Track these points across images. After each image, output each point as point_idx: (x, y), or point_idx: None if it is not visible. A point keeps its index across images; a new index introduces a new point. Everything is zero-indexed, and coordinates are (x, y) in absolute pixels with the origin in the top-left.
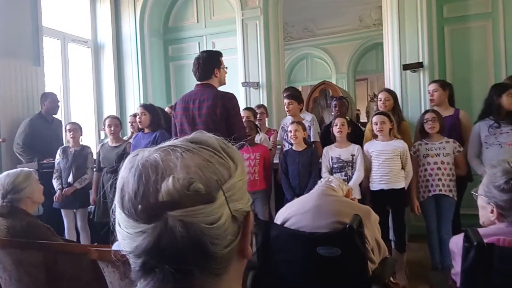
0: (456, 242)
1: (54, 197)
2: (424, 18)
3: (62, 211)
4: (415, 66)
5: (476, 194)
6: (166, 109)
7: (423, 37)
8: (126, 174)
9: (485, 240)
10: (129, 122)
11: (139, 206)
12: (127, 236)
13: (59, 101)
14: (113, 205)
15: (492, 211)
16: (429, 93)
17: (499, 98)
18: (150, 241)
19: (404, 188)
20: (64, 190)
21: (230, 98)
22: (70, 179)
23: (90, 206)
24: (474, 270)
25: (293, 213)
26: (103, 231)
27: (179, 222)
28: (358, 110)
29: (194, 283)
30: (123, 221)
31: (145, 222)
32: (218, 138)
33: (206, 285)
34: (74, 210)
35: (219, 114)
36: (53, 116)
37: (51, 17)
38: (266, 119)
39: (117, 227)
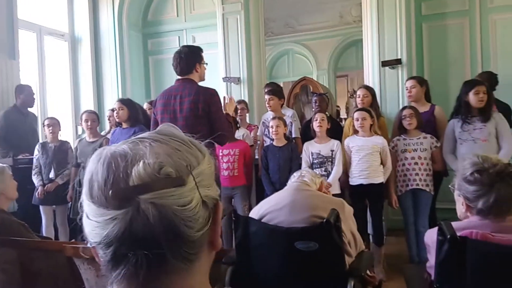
0: (431, 236)
1: (36, 193)
2: (402, 15)
3: (41, 207)
4: (394, 63)
5: (452, 188)
6: (145, 105)
7: (401, 34)
8: (94, 165)
9: (459, 233)
10: (107, 116)
11: (110, 192)
12: (96, 225)
13: (34, 94)
14: (81, 199)
15: (463, 204)
16: (407, 89)
17: (466, 95)
18: (121, 227)
19: (382, 183)
20: (46, 186)
21: (212, 94)
22: (51, 175)
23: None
24: (448, 263)
25: (270, 209)
26: (70, 226)
27: (151, 204)
28: (338, 106)
29: (167, 268)
30: (91, 211)
31: (116, 208)
32: (185, 133)
33: (179, 270)
34: (54, 206)
35: (201, 109)
36: (28, 109)
37: (26, 9)
38: (247, 114)
39: (85, 221)
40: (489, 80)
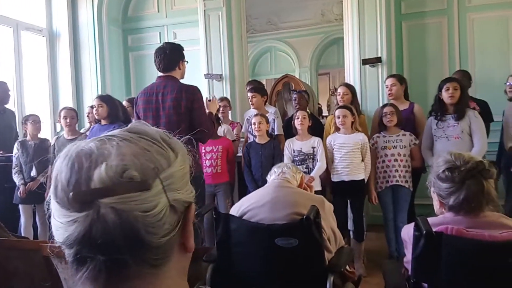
0: (407, 231)
1: (18, 192)
2: (383, 13)
3: (20, 206)
4: (374, 61)
5: (428, 185)
6: (124, 102)
7: (381, 32)
8: (60, 164)
9: (435, 229)
10: (86, 113)
11: (71, 194)
12: (60, 226)
13: (9, 90)
14: (48, 197)
15: (437, 200)
16: (387, 87)
17: (440, 93)
18: (82, 230)
19: (363, 179)
20: (28, 184)
21: (194, 91)
22: (33, 173)
23: None
24: (424, 257)
25: (251, 206)
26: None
27: (112, 209)
28: (320, 104)
29: (129, 273)
30: (56, 211)
31: (77, 211)
32: (159, 130)
33: (142, 276)
34: (33, 205)
35: (183, 106)
36: (5, 106)
37: (3, 4)
38: (229, 111)
39: (51, 219)
40: (463, 78)
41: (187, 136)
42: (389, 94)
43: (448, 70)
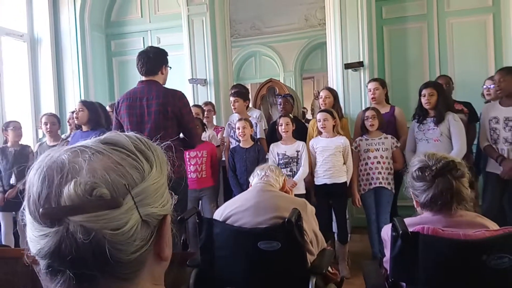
0: (387, 231)
1: None
2: (364, 18)
3: (0, 214)
4: (356, 65)
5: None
6: (107, 108)
7: (363, 37)
8: (32, 176)
9: (412, 229)
10: (67, 119)
11: (41, 210)
12: (32, 238)
13: None
14: (23, 207)
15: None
16: (370, 91)
17: (419, 96)
18: (52, 245)
19: (346, 182)
20: (7, 192)
21: (181, 97)
22: (12, 180)
23: None
24: (402, 257)
25: (234, 210)
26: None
27: (80, 227)
28: (305, 108)
29: (99, 287)
30: (29, 223)
31: (48, 226)
32: (135, 138)
33: None
34: (14, 213)
35: (170, 112)
36: None
37: None
38: (214, 116)
39: (26, 229)
40: (446, 83)
41: (167, 142)
42: (372, 98)
43: (429, 74)
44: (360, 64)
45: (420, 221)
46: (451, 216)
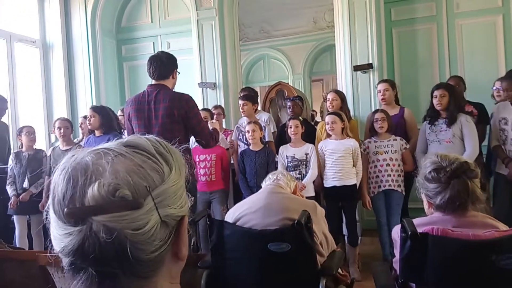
0: (397, 232)
1: (9, 204)
2: (373, 20)
3: (15, 217)
4: (365, 67)
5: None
6: (118, 112)
7: (372, 39)
8: (57, 176)
9: (422, 229)
10: (79, 124)
11: (65, 210)
12: (56, 236)
13: (7, 108)
14: (47, 206)
15: (426, 200)
16: (380, 92)
17: (431, 98)
18: (75, 243)
19: (355, 184)
20: (20, 196)
21: (188, 100)
22: (25, 184)
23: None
24: (411, 258)
25: (244, 212)
26: (47, 243)
27: (103, 227)
28: (314, 110)
29: (119, 285)
30: (53, 222)
31: (72, 225)
32: (155, 141)
33: (133, 286)
34: (28, 216)
35: (177, 115)
36: None
37: None
38: (223, 119)
39: (50, 227)
40: (457, 84)
41: (185, 146)
42: (382, 99)
43: (438, 75)
44: (369, 66)
45: (430, 221)
46: (461, 217)
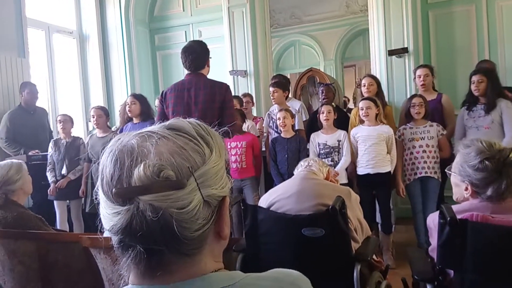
0: (433, 219)
1: (48, 190)
2: (408, 3)
3: (55, 202)
4: (400, 52)
5: (450, 172)
6: (156, 101)
7: (407, 22)
8: (105, 159)
9: (460, 216)
10: (119, 112)
11: (113, 190)
12: (106, 215)
13: (38, 92)
14: (96, 187)
15: (466, 189)
16: (420, 77)
17: (470, 83)
18: (124, 222)
19: (390, 172)
20: (58, 182)
21: (227, 89)
22: (64, 171)
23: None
24: (449, 245)
25: (277, 198)
26: (97, 223)
27: (149, 206)
28: (346, 97)
29: (166, 261)
30: (102, 201)
31: (120, 204)
32: (196, 124)
33: (178, 263)
34: (68, 201)
35: (217, 101)
36: (36, 105)
37: (35, 7)
38: (253, 107)
39: (100, 207)
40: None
41: (225, 128)
42: (421, 84)
43: (477, 59)
44: (404, 50)
45: (469, 207)
46: (500, 202)
